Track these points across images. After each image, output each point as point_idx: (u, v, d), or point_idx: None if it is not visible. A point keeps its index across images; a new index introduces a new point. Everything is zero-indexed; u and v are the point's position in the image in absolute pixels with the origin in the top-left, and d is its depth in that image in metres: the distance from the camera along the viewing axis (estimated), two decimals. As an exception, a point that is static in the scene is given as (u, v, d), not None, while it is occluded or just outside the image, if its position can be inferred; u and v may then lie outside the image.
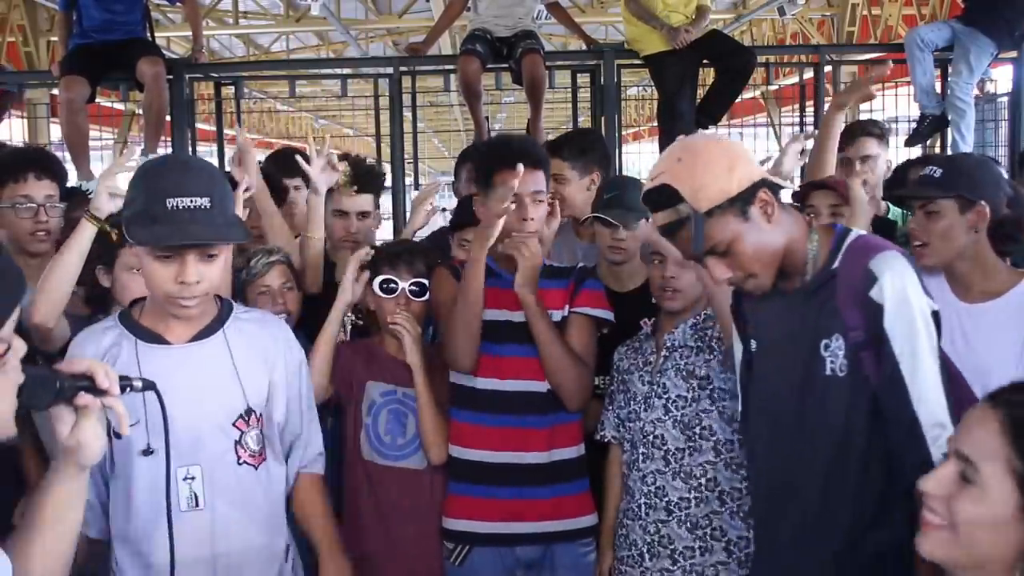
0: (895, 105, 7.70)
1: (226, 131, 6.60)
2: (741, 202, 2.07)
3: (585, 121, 6.41)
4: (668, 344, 2.81)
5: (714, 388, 2.73)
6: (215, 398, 2.25)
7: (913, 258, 2.13)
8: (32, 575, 1.53)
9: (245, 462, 2.28)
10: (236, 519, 2.26)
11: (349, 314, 3.20)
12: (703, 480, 2.70)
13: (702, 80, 5.70)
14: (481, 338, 2.76)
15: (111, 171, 2.74)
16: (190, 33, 6.46)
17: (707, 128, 5.52)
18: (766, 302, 2.23)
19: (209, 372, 2.25)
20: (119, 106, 9.16)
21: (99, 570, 2.32)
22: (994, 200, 2.64)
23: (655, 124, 5.74)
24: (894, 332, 2.01)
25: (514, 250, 2.68)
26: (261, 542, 2.31)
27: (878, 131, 4.02)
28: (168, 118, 5.60)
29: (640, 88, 10.53)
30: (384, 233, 5.62)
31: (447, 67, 6.13)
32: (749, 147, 3.90)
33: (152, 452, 2.12)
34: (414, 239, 3.74)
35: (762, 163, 2.64)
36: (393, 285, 2.88)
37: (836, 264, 2.10)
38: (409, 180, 6.23)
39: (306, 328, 2.98)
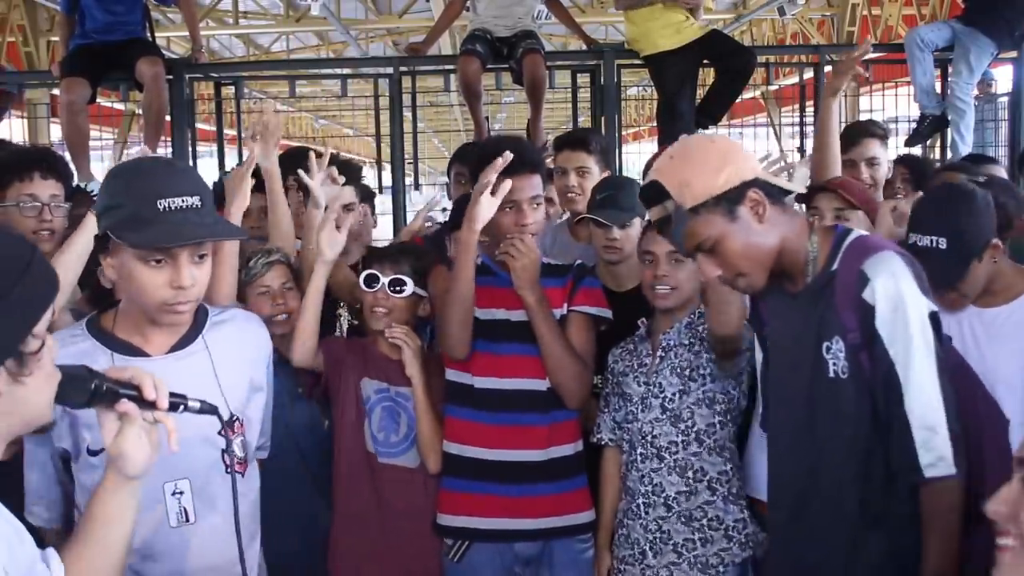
0: (895, 105, 7.71)
1: (226, 131, 6.59)
2: (728, 201, 2.06)
3: (585, 121, 6.41)
4: (664, 344, 2.81)
5: (699, 376, 2.75)
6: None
7: (909, 258, 2.10)
8: None
9: (233, 470, 2.18)
10: (227, 529, 2.15)
11: (346, 314, 3.21)
12: (690, 473, 2.73)
13: (702, 80, 5.69)
14: (480, 337, 2.77)
15: None
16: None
17: (707, 128, 5.52)
18: (775, 304, 2.23)
19: (191, 384, 2.12)
20: (119, 106, 9.16)
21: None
22: (993, 228, 2.56)
23: (655, 124, 5.73)
24: (886, 333, 2.01)
25: (505, 255, 2.69)
26: (249, 549, 2.25)
27: (881, 132, 4.01)
28: (168, 118, 5.60)
29: (640, 88, 10.53)
30: (384, 232, 5.63)
31: (447, 67, 6.13)
32: (749, 147, 3.90)
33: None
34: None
35: (763, 160, 2.64)
36: (375, 279, 2.89)
37: (835, 265, 2.09)
38: (409, 180, 6.23)
39: None
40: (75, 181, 3.70)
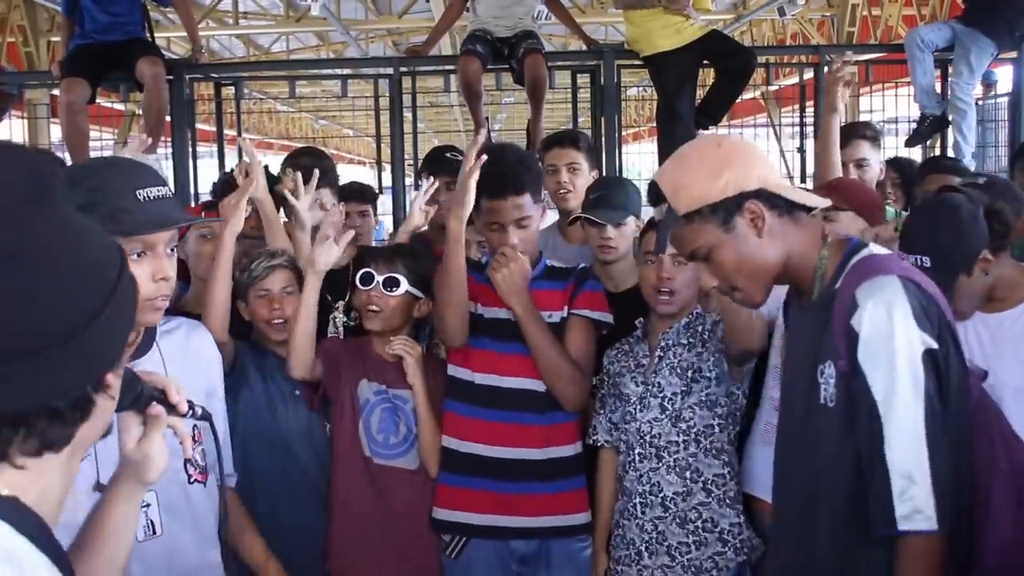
0: (895, 105, 7.70)
1: (226, 131, 6.59)
2: (724, 211, 1.92)
3: (585, 122, 6.41)
4: (662, 344, 2.80)
5: (701, 378, 2.74)
6: None
7: (914, 286, 1.87)
8: None
9: (196, 480, 2.18)
10: (191, 540, 2.16)
11: (340, 315, 3.21)
12: (688, 472, 2.72)
13: (702, 81, 5.69)
14: (483, 335, 2.79)
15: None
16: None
17: (707, 129, 5.52)
18: (795, 313, 2.12)
19: None
20: (119, 107, 9.16)
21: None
22: (982, 241, 2.50)
23: (655, 125, 5.73)
24: (868, 367, 1.83)
25: (492, 272, 2.72)
26: (213, 559, 2.22)
27: (871, 133, 4.00)
28: (168, 118, 5.60)
29: (640, 88, 10.54)
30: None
31: (447, 67, 6.13)
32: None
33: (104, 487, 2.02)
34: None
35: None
36: (369, 277, 2.89)
37: (839, 283, 1.93)
38: (409, 181, 6.23)
39: None
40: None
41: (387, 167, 6.15)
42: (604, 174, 4.74)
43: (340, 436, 2.90)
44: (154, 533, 2.08)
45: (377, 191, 5.02)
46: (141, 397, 1.48)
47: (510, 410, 2.78)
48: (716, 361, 2.73)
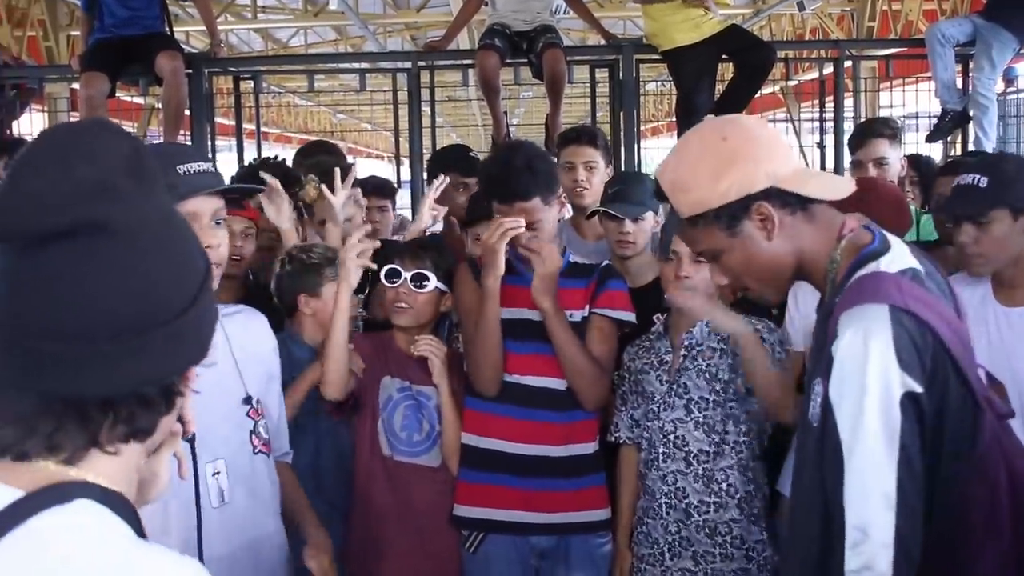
0: (916, 101, 7.66)
1: (245, 125, 6.61)
2: (728, 216, 1.73)
3: (604, 116, 6.38)
4: (687, 343, 2.78)
5: (736, 390, 2.72)
6: (222, 389, 2.14)
7: (910, 317, 1.59)
8: None
9: (260, 451, 2.24)
10: (255, 509, 2.21)
11: (361, 310, 3.20)
12: (723, 485, 2.69)
13: (721, 75, 5.67)
14: (504, 335, 2.75)
15: None
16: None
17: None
18: (818, 315, 1.91)
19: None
20: (139, 100, 9.19)
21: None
22: None
23: (674, 119, 5.71)
24: (835, 401, 1.61)
25: (532, 254, 2.67)
26: (275, 529, 2.28)
27: (890, 131, 3.87)
28: (187, 112, 5.62)
29: (659, 83, 10.50)
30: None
31: (465, 62, 6.13)
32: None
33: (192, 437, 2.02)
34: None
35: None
36: (396, 273, 2.87)
37: (839, 297, 1.70)
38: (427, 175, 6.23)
39: None
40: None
41: (405, 161, 6.14)
42: (621, 169, 4.73)
43: (362, 432, 2.89)
44: (223, 500, 2.12)
45: (396, 185, 5.03)
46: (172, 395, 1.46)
47: (530, 408, 2.78)
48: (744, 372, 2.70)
